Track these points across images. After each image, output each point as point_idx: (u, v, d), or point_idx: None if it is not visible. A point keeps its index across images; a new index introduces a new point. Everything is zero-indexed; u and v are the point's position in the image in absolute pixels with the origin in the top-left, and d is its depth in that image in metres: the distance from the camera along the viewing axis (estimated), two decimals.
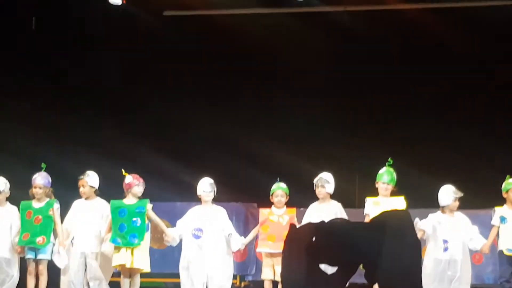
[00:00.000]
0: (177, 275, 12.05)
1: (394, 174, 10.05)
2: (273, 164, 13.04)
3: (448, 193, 9.90)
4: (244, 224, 12.83)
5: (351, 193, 12.88)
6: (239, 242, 10.19)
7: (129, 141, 13.83)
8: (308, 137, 13.96)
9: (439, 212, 9.96)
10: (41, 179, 10.43)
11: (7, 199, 10.60)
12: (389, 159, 10.07)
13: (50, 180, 10.51)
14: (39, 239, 10.25)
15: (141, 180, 10.24)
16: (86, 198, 10.44)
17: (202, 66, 14.13)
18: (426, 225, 9.81)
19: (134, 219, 10.03)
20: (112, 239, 10.03)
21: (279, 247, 9.36)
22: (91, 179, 10.43)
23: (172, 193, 12.89)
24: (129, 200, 10.16)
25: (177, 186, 13.08)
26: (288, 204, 10.39)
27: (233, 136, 13.41)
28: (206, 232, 10.18)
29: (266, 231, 10.14)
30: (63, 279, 10.26)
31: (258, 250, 10.33)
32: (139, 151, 13.68)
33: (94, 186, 10.43)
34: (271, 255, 10.04)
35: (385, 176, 10.03)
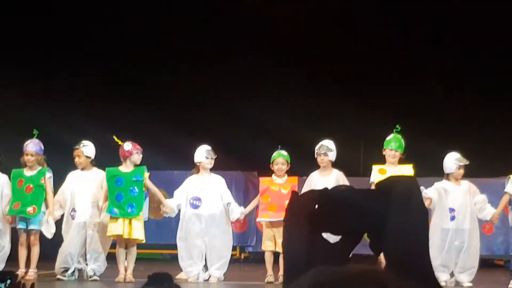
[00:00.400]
0: (174, 246, 11.87)
1: (402, 141, 9.80)
2: (274, 131, 12.78)
3: (451, 161, 9.71)
4: (244, 193, 12.62)
5: (356, 160, 12.71)
6: (238, 211, 9.92)
7: (125, 109, 13.52)
8: (310, 103, 13.65)
9: (444, 180, 9.74)
10: (32, 146, 10.09)
11: None
12: (397, 126, 9.77)
13: (43, 147, 10.18)
14: (30, 209, 9.96)
15: (140, 148, 9.93)
16: (82, 169, 10.12)
17: (201, 32, 13.77)
18: (432, 193, 9.62)
19: (131, 188, 9.73)
20: (109, 209, 9.70)
21: (280, 217, 9.34)
22: (86, 149, 10.10)
23: (170, 161, 12.67)
24: (126, 168, 9.83)
25: (175, 154, 12.82)
26: (290, 172, 10.13)
27: (233, 102, 13.10)
28: (204, 201, 9.92)
29: (267, 200, 9.95)
30: (61, 249, 9.96)
31: (258, 220, 10.16)
32: (135, 118, 13.38)
33: (90, 157, 10.10)
34: (272, 225, 9.87)
35: (393, 143, 9.76)
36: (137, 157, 9.86)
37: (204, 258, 9.82)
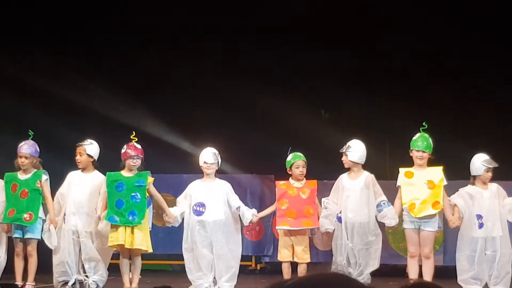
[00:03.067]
0: (183, 257, 11.39)
1: (430, 140, 9.23)
2: (291, 132, 12.34)
3: (479, 162, 9.18)
4: (260, 198, 12.21)
5: (382, 162, 12.26)
6: (250, 213, 9.31)
7: (131, 108, 13.12)
8: (331, 104, 13.19)
9: (469, 185, 9.23)
10: (27, 147, 9.65)
11: None
12: (423, 123, 9.21)
13: (38, 149, 9.73)
14: (26, 216, 9.53)
15: (138, 153, 9.31)
16: (82, 170, 9.57)
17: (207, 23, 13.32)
18: (457, 200, 9.13)
19: (133, 194, 9.20)
20: (108, 217, 9.17)
21: (300, 224, 9.21)
22: (90, 147, 9.54)
23: (179, 164, 12.23)
24: (128, 173, 9.30)
25: (184, 157, 12.37)
26: (307, 176, 9.61)
27: (248, 102, 12.66)
28: (208, 207, 9.33)
29: (285, 206, 9.44)
30: (55, 259, 9.47)
31: (277, 228, 9.60)
32: (142, 119, 12.95)
33: (92, 156, 9.54)
34: (290, 233, 9.41)
35: (419, 143, 9.21)
36: (131, 163, 9.24)
37: (213, 269, 9.25)
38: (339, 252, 9.17)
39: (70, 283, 9.39)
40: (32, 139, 9.76)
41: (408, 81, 13.11)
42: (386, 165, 12.47)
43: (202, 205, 9.34)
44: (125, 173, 9.31)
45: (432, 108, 12.11)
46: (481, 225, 9.08)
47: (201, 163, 9.59)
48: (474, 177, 9.21)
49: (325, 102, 12.99)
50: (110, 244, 9.23)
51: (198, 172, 12.19)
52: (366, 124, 12.38)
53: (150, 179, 9.28)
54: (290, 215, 9.35)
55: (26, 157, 9.60)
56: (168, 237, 11.54)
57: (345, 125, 11.84)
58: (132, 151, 9.31)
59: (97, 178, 9.50)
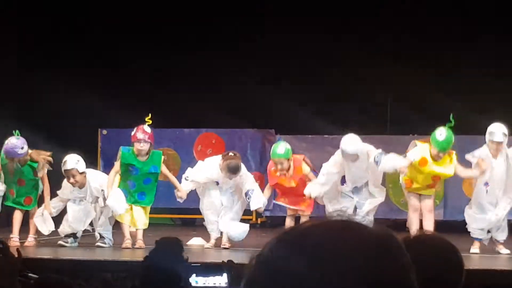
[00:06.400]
0: (185, 211, 11.66)
1: (453, 138, 9.04)
2: (292, 87, 12.42)
3: (487, 132, 9.19)
4: (261, 152, 12.22)
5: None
6: (261, 201, 9.50)
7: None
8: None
9: (485, 147, 9.22)
10: (19, 151, 9.38)
11: None
12: (451, 116, 9.05)
13: (26, 145, 9.44)
14: (26, 199, 9.66)
15: (146, 137, 9.33)
16: (80, 187, 9.52)
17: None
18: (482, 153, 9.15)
19: (145, 178, 9.40)
20: (121, 188, 9.35)
21: (298, 204, 9.72)
22: (80, 165, 9.41)
23: (180, 118, 12.26)
24: (142, 157, 9.34)
25: (186, 112, 12.51)
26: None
27: (249, 58, 12.61)
28: (222, 184, 9.58)
29: (279, 191, 9.89)
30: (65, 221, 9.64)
31: (275, 202, 10.02)
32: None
33: (84, 172, 9.48)
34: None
35: (445, 145, 9.02)
36: (139, 147, 9.29)
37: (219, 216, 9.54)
38: (337, 202, 9.47)
39: (73, 237, 9.59)
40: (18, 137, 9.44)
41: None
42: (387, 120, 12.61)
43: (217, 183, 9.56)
44: (139, 157, 9.35)
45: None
46: (486, 192, 9.23)
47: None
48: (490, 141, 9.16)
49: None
50: (117, 219, 9.49)
51: (199, 127, 12.36)
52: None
53: (164, 167, 9.46)
54: (286, 197, 9.76)
55: (19, 160, 9.44)
56: (169, 191, 11.61)
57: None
58: (140, 133, 9.32)
59: (93, 189, 9.50)
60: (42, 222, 9.56)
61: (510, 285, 7.38)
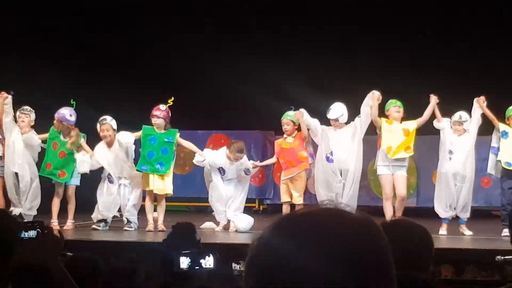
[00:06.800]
0: (199, 199, 11.74)
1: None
2: (290, 94, 12.04)
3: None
4: (262, 151, 12.30)
5: None
6: (249, 163, 9.66)
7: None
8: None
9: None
10: (69, 116, 9.54)
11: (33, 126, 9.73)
12: None
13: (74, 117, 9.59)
14: (60, 173, 9.56)
15: (159, 114, 9.48)
16: (108, 144, 9.53)
17: None
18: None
19: (163, 147, 9.52)
20: (139, 166, 9.49)
21: (298, 169, 9.54)
22: (114, 122, 9.57)
23: (193, 121, 12.10)
24: (160, 130, 9.56)
25: (198, 114, 12.40)
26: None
27: (253, 65, 12.38)
28: (227, 172, 9.60)
29: (283, 159, 9.73)
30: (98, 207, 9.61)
31: (283, 179, 9.76)
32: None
33: (115, 129, 9.58)
34: (290, 180, 9.69)
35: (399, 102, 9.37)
36: (153, 121, 9.49)
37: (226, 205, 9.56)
38: (328, 189, 9.37)
39: (104, 222, 9.57)
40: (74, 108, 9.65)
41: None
42: None
43: (223, 170, 9.58)
44: (157, 129, 9.56)
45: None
46: (450, 159, 9.18)
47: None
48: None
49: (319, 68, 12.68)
50: (143, 188, 9.55)
51: (211, 129, 12.29)
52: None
53: (178, 135, 9.60)
54: (289, 165, 9.62)
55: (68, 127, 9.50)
56: (184, 184, 11.78)
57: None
58: (155, 111, 9.55)
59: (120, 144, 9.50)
60: (83, 163, 9.53)
61: (472, 260, 7.38)
